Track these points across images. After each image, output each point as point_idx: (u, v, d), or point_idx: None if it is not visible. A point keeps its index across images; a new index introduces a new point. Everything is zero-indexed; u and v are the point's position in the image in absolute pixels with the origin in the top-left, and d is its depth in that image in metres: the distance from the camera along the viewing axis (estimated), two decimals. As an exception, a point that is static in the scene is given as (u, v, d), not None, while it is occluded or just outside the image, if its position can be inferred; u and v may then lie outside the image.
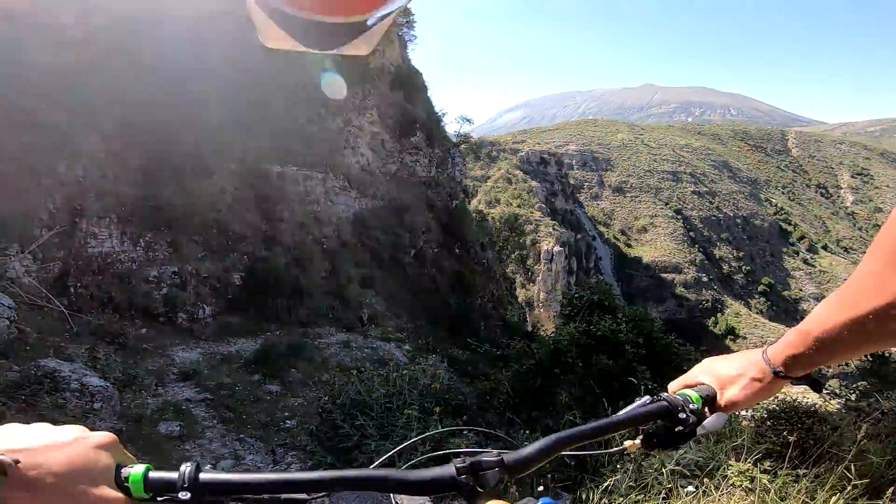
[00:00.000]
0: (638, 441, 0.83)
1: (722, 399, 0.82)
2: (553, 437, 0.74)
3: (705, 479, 2.70)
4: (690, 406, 0.79)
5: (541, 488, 0.73)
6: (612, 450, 0.86)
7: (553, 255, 65.63)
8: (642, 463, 3.06)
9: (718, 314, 76.07)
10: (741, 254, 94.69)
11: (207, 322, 14.29)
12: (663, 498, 2.76)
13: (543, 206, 78.66)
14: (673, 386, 0.87)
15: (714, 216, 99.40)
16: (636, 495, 2.86)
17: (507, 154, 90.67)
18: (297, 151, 20.90)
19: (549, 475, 3.06)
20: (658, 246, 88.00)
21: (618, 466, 3.19)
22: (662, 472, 2.91)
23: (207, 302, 14.67)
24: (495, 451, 0.69)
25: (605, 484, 2.98)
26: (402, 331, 18.86)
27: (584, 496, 3.14)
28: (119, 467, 0.57)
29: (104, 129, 14.14)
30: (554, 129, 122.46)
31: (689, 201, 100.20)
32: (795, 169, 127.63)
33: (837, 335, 0.65)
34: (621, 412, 0.81)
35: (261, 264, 15.99)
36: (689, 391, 0.83)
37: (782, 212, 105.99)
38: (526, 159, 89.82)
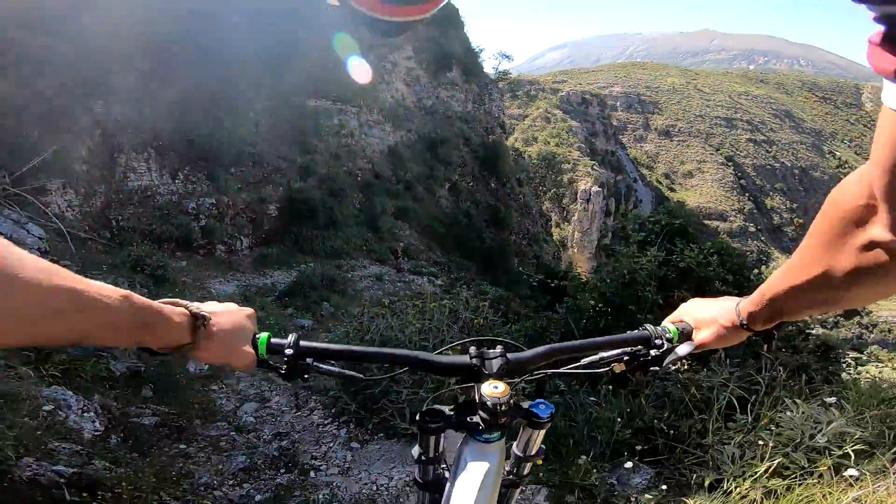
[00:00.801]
0: (622, 364, 0.91)
1: (695, 337, 0.92)
2: (550, 346, 0.88)
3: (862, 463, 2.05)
4: (667, 336, 0.89)
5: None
6: (599, 370, 0.92)
7: (590, 195, 63.33)
8: (760, 433, 2.41)
9: (763, 266, 72.22)
10: (795, 205, 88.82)
11: (244, 253, 14.52)
12: (811, 481, 2.06)
13: (583, 146, 75.27)
14: (665, 321, 0.96)
15: (769, 165, 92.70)
16: (767, 478, 2.16)
17: (546, 93, 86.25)
18: (331, 86, 20.47)
19: (622, 433, 3.03)
20: (704, 192, 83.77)
21: (724, 438, 2.56)
22: (797, 449, 2.21)
23: (244, 233, 14.85)
24: (502, 350, 0.84)
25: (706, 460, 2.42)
26: (435, 264, 18.73)
27: (682, 473, 2.61)
28: (254, 334, 0.80)
29: (139, 68, 13.99)
30: (597, 70, 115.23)
31: (742, 148, 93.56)
32: (867, 123, 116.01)
33: (784, 299, 0.74)
34: (610, 336, 0.90)
35: (296, 195, 15.94)
36: (669, 325, 0.92)
37: (846, 165, 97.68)
38: (566, 99, 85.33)
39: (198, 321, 0.70)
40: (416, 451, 0.91)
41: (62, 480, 2.14)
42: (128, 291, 0.60)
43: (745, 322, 0.84)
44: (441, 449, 0.91)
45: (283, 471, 3.51)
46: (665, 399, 3.11)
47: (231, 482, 3.31)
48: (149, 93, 14.33)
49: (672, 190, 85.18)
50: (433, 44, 28.55)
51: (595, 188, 64.57)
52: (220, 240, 14.06)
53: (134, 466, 2.84)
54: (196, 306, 0.71)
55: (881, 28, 0.39)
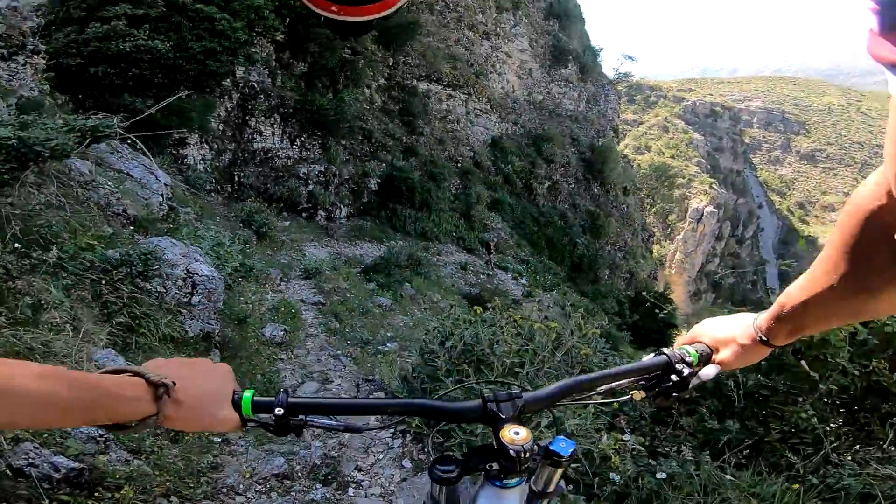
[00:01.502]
0: (642, 392, 0.87)
1: (715, 358, 0.87)
2: (568, 380, 0.84)
3: None
4: (688, 359, 0.85)
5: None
6: (620, 398, 0.89)
7: (703, 214, 57.97)
8: None
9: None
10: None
11: (342, 222, 15.31)
12: None
13: (703, 161, 69.01)
14: (677, 343, 0.92)
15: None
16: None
17: (668, 101, 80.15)
18: (444, 71, 20.80)
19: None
20: (845, 228, 72.13)
21: None
22: None
23: (345, 203, 15.65)
24: (518, 389, 0.80)
25: None
26: (522, 262, 18.31)
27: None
28: (234, 392, 0.73)
29: (277, 39, 15.25)
30: (734, 81, 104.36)
31: (907, 186, 79.04)
32: None
33: (806, 310, 0.71)
34: (629, 364, 0.87)
35: (397, 174, 16.41)
36: (688, 347, 0.88)
37: None
38: (691, 109, 78.58)
39: (159, 390, 0.63)
40: (427, 499, 0.86)
41: (57, 475, 1.89)
42: (64, 370, 0.57)
43: (765, 337, 0.81)
44: (457, 497, 0.84)
45: (320, 484, 3.12)
46: (841, 494, 2.22)
47: (259, 488, 2.94)
48: (283, 63, 15.60)
49: (805, 222, 75.20)
50: (550, 37, 27.77)
51: (710, 208, 59.03)
52: (323, 206, 14.93)
53: (157, 458, 2.57)
54: (155, 374, 0.64)
55: (877, 18, 0.39)
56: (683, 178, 63.05)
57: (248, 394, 0.73)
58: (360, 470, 3.34)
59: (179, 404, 0.65)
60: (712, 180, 65.71)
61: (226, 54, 13.09)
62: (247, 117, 14.87)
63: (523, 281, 16.66)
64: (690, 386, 0.84)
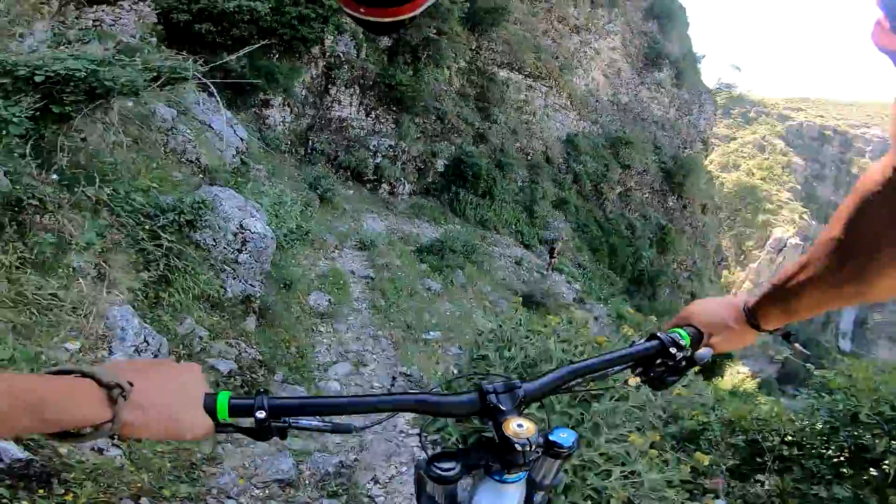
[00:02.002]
0: (637, 376, 0.88)
1: (708, 341, 0.87)
2: (565, 368, 0.82)
3: None
4: (680, 343, 0.84)
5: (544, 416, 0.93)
6: (612, 385, 1.02)
7: (785, 245, 53.05)
8: None
9: None
10: None
11: (403, 198, 15.45)
12: None
13: (798, 188, 63.03)
14: (668, 324, 0.92)
15: None
16: None
17: (770, 118, 73.58)
18: (527, 61, 20.27)
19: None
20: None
21: None
22: None
23: (409, 180, 15.77)
24: (517, 381, 0.77)
25: None
26: (578, 266, 17.65)
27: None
28: (206, 394, 0.65)
29: (363, 10, 15.48)
30: (851, 105, 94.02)
31: None
32: None
33: (802, 294, 0.70)
34: (623, 349, 0.86)
35: (465, 158, 16.25)
36: (680, 330, 0.86)
37: None
38: (796, 130, 71.64)
39: (113, 392, 0.54)
40: (424, 499, 0.79)
41: None
42: (11, 375, 0.51)
43: (756, 322, 0.81)
44: (456, 494, 0.80)
45: (327, 498, 2.68)
46: None
47: (256, 493, 2.52)
48: (368, 35, 15.82)
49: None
50: (647, 38, 26.21)
51: (795, 240, 54.01)
52: (388, 180, 15.11)
53: (142, 447, 2.22)
54: (108, 374, 0.55)
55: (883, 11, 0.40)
56: (772, 203, 58.00)
57: (223, 395, 0.65)
58: (377, 482, 2.92)
59: (140, 409, 0.57)
60: (805, 210, 59.99)
61: (318, 21, 13.46)
62: (329, 86, 15.28)
63: (576, 286, 16.07)
64: (684, 370, 0.85)
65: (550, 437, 0.75)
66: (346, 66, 15.17)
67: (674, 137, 26.13)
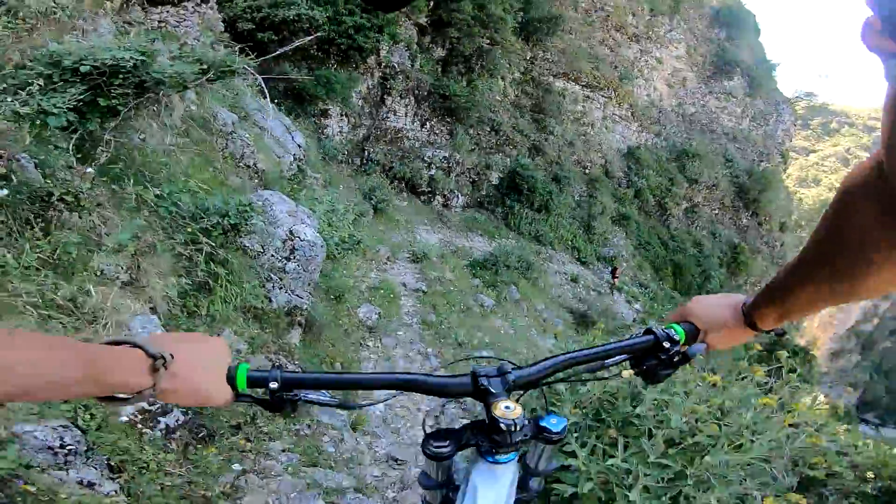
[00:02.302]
0: (631, 370, 0.88)
1: (704, 338, 0.87)
2: (559, 356, 0.83)
3: None
4: (675, 337, 0.84)
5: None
6: (606, 376, 0.92)
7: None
8: None
9: None
10: None
11: (457, 211, 15.11)
12: None
13: (887, 208, 57.00)
14: (668, 319, 0.92)
15: None
16: None
17: (855, 130, 67.73)
18: (583, 71, 19.61)
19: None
20: None
21: None
22: None
23: (463, 192, 15.43)
24: (509, 366, 0.79)
25: None
26: (641, 286, 16.53)
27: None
28: (229, 366, 0.71)
29: (421, 24, 15.55)
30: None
31: None
32: None
33: (797, 294, 0.71)
34: (617, 342, 0.86)
35: (520, 170, 15.75)
36: (675, 326, 0.86)
37: None
38: (882, 142, 65.17)
39: (157, 361, 0.61)
40: (422, 476, 0.87)
41: None
42: (67, 339, 0.56)
43: (752, 321, 0.81)
44: (452, 472, 0.87)
45: None
46: None
47: None
48: (423, 46, 15.86)
49: None
50: (714, 46, 24.74)
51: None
52: (442, 192, 14.88)
53: (150, 479, 1.88)
54: (154, 346, 0.62)
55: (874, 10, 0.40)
56: (857, 224, 52.68)
57: (243, 367, 0.71)
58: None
59: (175, 378, 0.63)
60: (895, 233, 54.09)
61: (373, 31, 13.59)
62: (384, 96, 15.35)
63: (637, 306, 15.02)
64: (678, 364, 0.84)
65: (541, 423, 0.77)
66: (400, 77, 15.20)
67: (747, 150, 24.31)
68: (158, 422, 2.08)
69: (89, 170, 2.60)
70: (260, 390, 0.72)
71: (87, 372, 0.54)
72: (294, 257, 4.19)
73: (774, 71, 28.19)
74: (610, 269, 15.26)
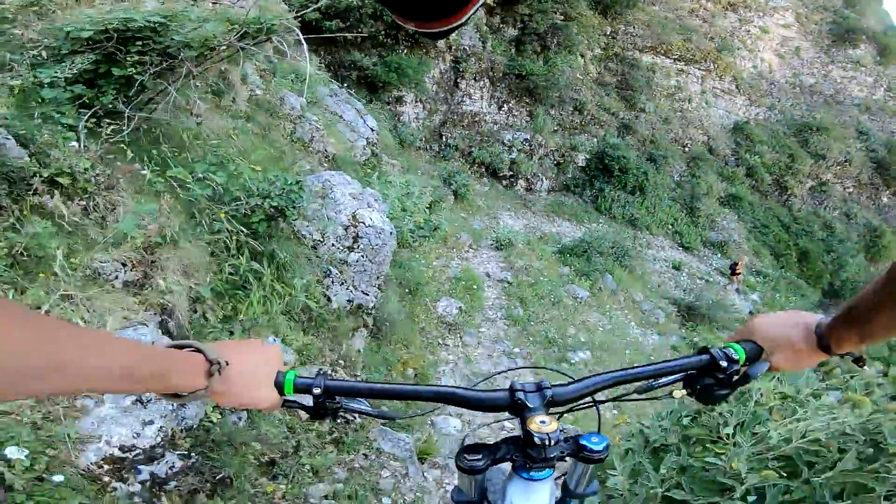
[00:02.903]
0: (683, 390, 0.84)
1: (768, 358, 0.81)
2: (598, 376, 0.79)
3: None
4: (734, 357, 0.79)
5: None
6: (657, 396, 0.85)
7: None
8: None
9: None
10: None
11: (542, 195, 14.01)
12: None
13: None
14: (728, 338, 0.86)
15: None
16: None
17: None
18: (674, 44, 17.63)
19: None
20: None
21: None
22: None
23: (547, 176, 14.29)
24: (548, 382, 0.77)
25: None
26: (758, 273, 14.35)
27: None
28: (278, 372, 0.75)
29: (489, 3, 14.62)
30: None
31: None
32: None
33: (876, 313, 0.67)
34: (670, 361, 0.81)
35: (609, 151, 14.25)
36: (735, 345, 0.81)
37: None
38: None
39: (213, 366, 0.67)
40: (454, 491, 0.84)
41: None
42: (138, 342, 0.64)
43: (827, 344, 0.74)
44: (485, 488, 0.84)
45: None
46: None
47: None
48: (492, 27, 14.95)
49: None
50: (829, 13, 21.46)
51: None
52: (524, 176, 13.95)
53: None
54: (213, 351, 0.68)
55: None
56: None
57: (291, 374, 0.74)
58: None
59: (228, 382, 0.68)
60: None
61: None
62: (458, 80, 14.64)
63: (755, 297, 12.98)
64: (737, 385, 0.79)
65: (581, 441, 0.75)
66: (472, 59, 14.41)
67: (885, 121, 20.73)
68: (138, 471, 1.35)
69: (94, 147, 1.99)
70: (306, 397, 0.75)
71: (153, 371, 0.60)
72: (358, 246, 3.56)
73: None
74: (731, 263, 13.18)
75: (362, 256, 3.50)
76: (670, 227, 14.05)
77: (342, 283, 3.24)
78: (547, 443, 0.68)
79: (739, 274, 12.59)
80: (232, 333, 2.20)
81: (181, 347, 0.67)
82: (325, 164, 5.49)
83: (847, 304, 0.71)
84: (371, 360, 3.49)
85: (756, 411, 1.35)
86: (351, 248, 3.49)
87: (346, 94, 8.36)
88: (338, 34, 12.01)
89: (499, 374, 1.11)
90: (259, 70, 5.51)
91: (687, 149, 16.67)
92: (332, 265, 3.28)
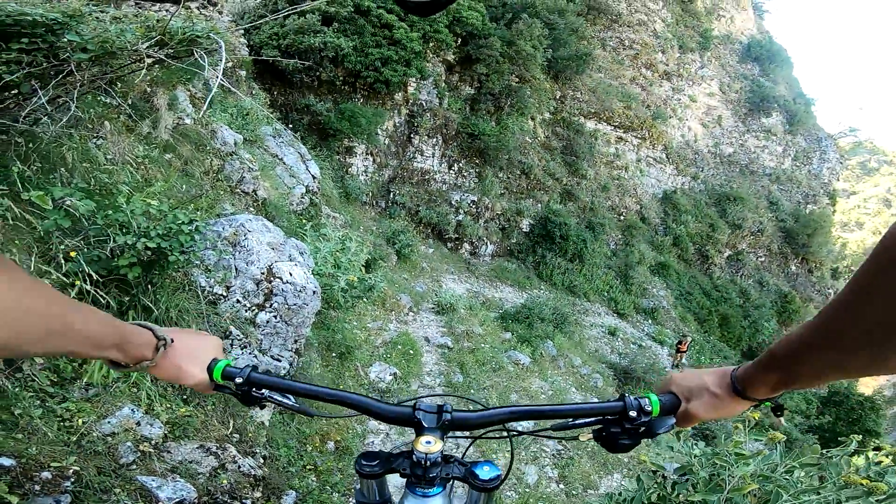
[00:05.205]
0: (590, 433, 0.85)
1: (683, 409, 0.82)
2: (505, 408, 0.82)
3: None
4: (646, 408, 0.79)
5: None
6: (564, 435, 0.86)
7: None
8: None
9: None
10: None
11: (485, 260, 14.21)
12: None
13: (933, 250, 53.83)
14: (655, 389, 0.87)
15: None
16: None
17: (894, 168, 65.20)
18: (615, 111, 18.94)
19: None
20: None
21: None
22: None
23: (492, 240, 14.56)
24: (450, 406, 0.81)
25: None
26: (683, 336, 15.28)
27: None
28: (213, 359, 0.84)
29: (448, 60, 15.14)
30: None
31: None
32: None
33: (808, 361, 0.66)
34: (583, 403, 0.84)
35: (552, 217, 14.86)
36: (652, 396, 0.81)
37: None
38: (924, 181, 62.52)
39: (160, 342, 0.77)
40: (357, 493, 0.89)
41: None
42: (105, 314, 0.69)
43: (740, 388, 0.75)
44: (386, 494, 0.88)
45: None
46: None
47: None
48: (451, 85, 15.39)
49: None
50: (748, 82, 23.92)
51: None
52: (470, 239, 14.08)
53: None
54: (161, 331, 0.78)
55: None
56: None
57: (223, 362, 0.83)
58: None
59: (168, 357, 0.79)
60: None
61: (401, 64, 13.18)
62: (411, 135, 14.85)
63: (683, 360, 13.75)
64: (642, 437, 0.80)
65: (474, 469, 0.78)
66: (428, 114, 14.70)
67: (792, 191, 23.03)
68: None
69: None
70: (232, 385, 0.82)
71: (117, 339, 0.69)
72: (271, 305, 3.14)
73: (813, 105, 27.10)
74: (676, 340, 13.37)
75: (275, 317, 3.12)
76: (606, 294, 14.72)
77: (244, 347, 2.86)
78: (423, 462, 0.73)
79: (684, 352, 12.91)
80: (66, 400, 1.93)
81: (137, 325, 0.76)
82: (253, 209, 5.03)
83: (769, 349, 0.71)
84: (278, 433, 3.09)
85: (731, 498, 1.29)
86: (262, 307, 3.09)
87: (291, 137, 7.94)
88: (287, 67, 11.85)
89: (424, 397, 1.10)
90: (193, 97, 5.13)
91: (622, 217, 17.68)
92: (233, 325, 2.87)
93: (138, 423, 2.11)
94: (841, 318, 0.58)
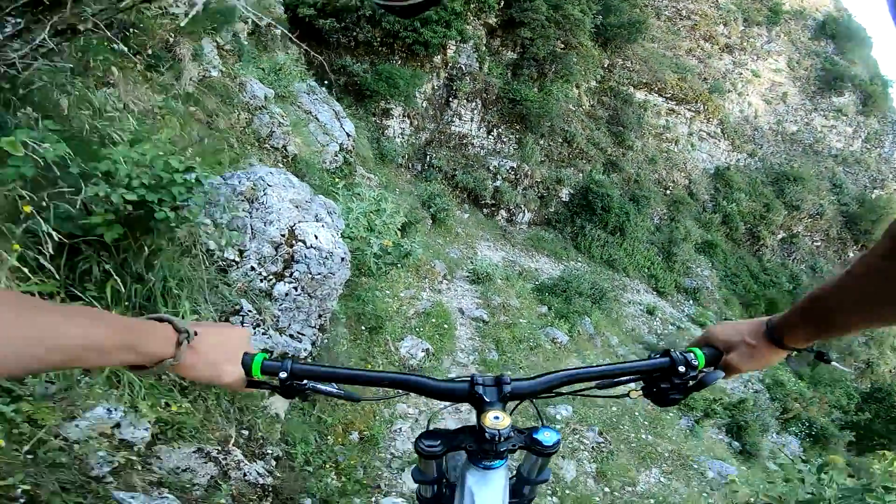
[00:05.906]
0: (639, 389, 0.85)
1: (724, 361, 0.83)
2: (559, 372, 0.83)
3: None
4: (693, 362, 0.81)
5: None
6: (613, 393, 0.87)
7: None
8: None
9: None
10: None
11: (522, 228, 13.86)
12: None
13: None
14: (690, 343, 0.88)
15: None
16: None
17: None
18: (668, 82, 17.82)
19: None
20: None
21: None
22: None
23: (530, 208, 14.17)
24: (508, 377, 0.80)
25: None
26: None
27: None
28: (245, 353, 0.78)
29: (490, 24, 14.47)
30: None
31: None
32: None
33: (837, 307, 0.66)
34: (631, 362, 0.85)
35: (593, 187, 14.25)
36: (696, 350, 0.83)
37: None
38: None
39: (181, 335, 0.68)
40: (414, 471, 0.91)
41: None
42: (109, 314, 0.63)
43: (779, 337, 0.76)
44: (444, 469, 0.90)
45: None
46: None
47: None
48: (492, 49, 14.80)
49: None
50: (820, 59, 22.05)
51: None
52: (507, 206, 13.73)
53: None
54: (182, 322, 0.69)
55: None
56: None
57: (259, 356, 0.78)
58: None
59: (195, 353, 0.69)
60: None
61: (440, 24, 12.66)
62: (450, 98, 14.40)
63: (721, 346, 13.18)
64: (691, 390, 0.81)
65: (535, 436, 0.79)
66: (468, 78, 14.18)
67: (859, 174, 21.42)
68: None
69: None
70: (273, 379, 0.78)
71: (125, 340, 0.60)
72: (291, 274, 2.59)
73: (891, 86, 24.83)
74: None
75: (295, 289, 2.60)
76: (646, 270, 14.14)
77: (256, 325, 2.41)
78: (497, 438, 0.72)
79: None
80: (18, 399, 1.54)
81: (152, 319, 0.67)
82: (282, 165, 4.72)
83: (807, 296, 0.70)
84: (295, 426, 2.76)
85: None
86: (280, 276, 2.57)
87: (325, 94, 7.64)
88: (324, 26, 11.53)
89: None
90: (221, 49, 4.89)
91: (668, 192, 16.86)
92: (245, 298, 2.39)
93: (117, 426, 1.73)
94: (871, 269, 0.58)
